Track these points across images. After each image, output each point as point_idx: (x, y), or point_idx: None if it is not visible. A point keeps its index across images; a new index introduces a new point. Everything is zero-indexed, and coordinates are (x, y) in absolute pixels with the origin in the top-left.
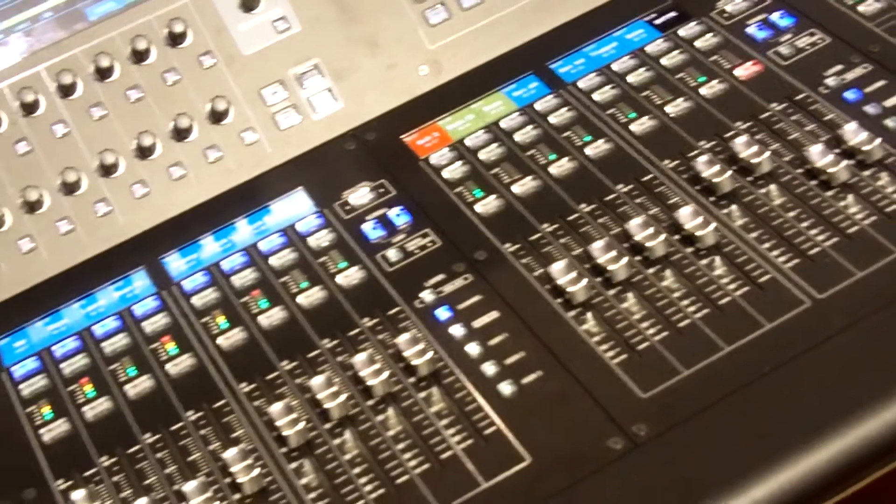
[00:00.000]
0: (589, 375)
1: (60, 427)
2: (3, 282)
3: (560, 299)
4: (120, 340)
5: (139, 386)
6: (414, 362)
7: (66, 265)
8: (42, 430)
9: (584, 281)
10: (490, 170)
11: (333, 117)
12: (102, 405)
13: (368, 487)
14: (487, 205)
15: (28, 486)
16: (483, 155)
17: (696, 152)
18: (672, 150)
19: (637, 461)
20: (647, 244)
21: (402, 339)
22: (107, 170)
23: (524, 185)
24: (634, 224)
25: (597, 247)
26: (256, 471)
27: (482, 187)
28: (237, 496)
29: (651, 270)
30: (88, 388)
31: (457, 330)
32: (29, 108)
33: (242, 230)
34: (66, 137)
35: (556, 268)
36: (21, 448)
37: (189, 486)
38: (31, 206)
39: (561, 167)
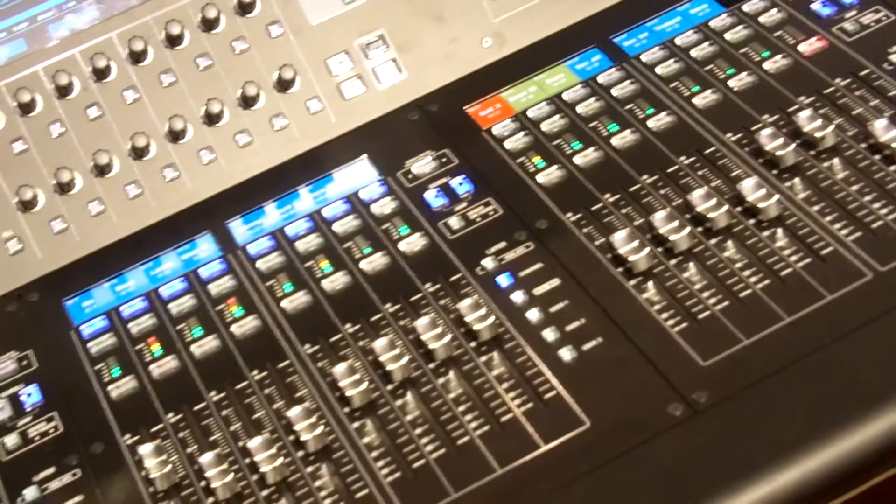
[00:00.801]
0: (649, 343)
1: (128, 384)
2: (72, 244)
3: (621, 268)
4: (186, 302)
5: (205, 346)
6: (475, 327)
7: (134, 228)
8: (110, 387)
9: (646, 250)
10: (552, 141)
11: (397, 88)
12: (169, 364)
13: (429, 448)
14: (549, 175)
15: (96, 440)
16: (545, 126)
17: (759, 126)
18: (735, 124)
19: (696, 428)
20: (710, 215)
21: (464, 304)
22: (175, 136)
23: (586, 157)
24: (697, 195)
25: (659, 217)
26: (320, 429)
27: (544, 158)
28: (300, 453)
29: (713, 241)
30: (155, 347)
31: (518, 296)
32: (100, 74)
33: (305, 198)
34: (136, 103)
35: (618, 237)
36: (89, 404)
37: (254, 443)
38: (101, 170)
39: (623, 139)
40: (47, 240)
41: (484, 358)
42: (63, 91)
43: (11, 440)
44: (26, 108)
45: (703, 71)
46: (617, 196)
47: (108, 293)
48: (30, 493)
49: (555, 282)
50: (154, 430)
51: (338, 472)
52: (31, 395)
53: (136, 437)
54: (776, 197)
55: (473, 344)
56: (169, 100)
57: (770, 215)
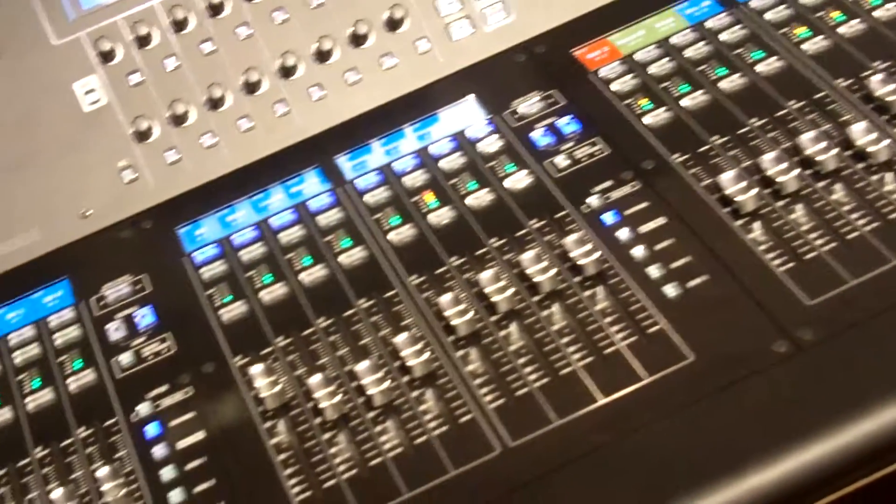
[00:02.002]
0: (755, 281)
1: (238, 309)
2: (184, 175)
3: (728, 209)
4: (295, 232)
5: (313, 274)
6: (580, 262)
7: (244, 162)
8: (221, 311)
9: (754, 191)
10: (660, 84)
11: (505, 29)
12: (279, 290)
13: (533, 377)
14: (657, 117)
15: (207, 360)
16: (653, 69)
17: (870, 72)
18: (845, 70)
19: (801, 364)
20: (818, 158)
21: (570, 239)
22: (287, 72)
23: (694, 99)
24: (806, 138)
25: (767, 158)
26: (426, 355)
27: (651, 100)
28: (406, 378)
29: (821, 184)
30: (265, 274)
31: (623, 233)
32: (215, 10)
33: (411, 136)
34: (249, 39)
35: (726, 177)
36: (201, 326)
37: (361, 366)
38: (215, 104)
39: (732, 83)
40: (161, 170)
41: (588, 292)
42: (179, 26)
43: (126, 358)
44: (143, 42)
45: (814, 17)
46: (725, 138)
47: (219, 223)
48: (143, 408)
49: (660, 220)
50: (264, 352)
51: (442, 397)
52: (145, 316)
53: (246, 359)
54: (886, 141)
55: (578, 279)
56: (281, 37)
57: (880, 159)
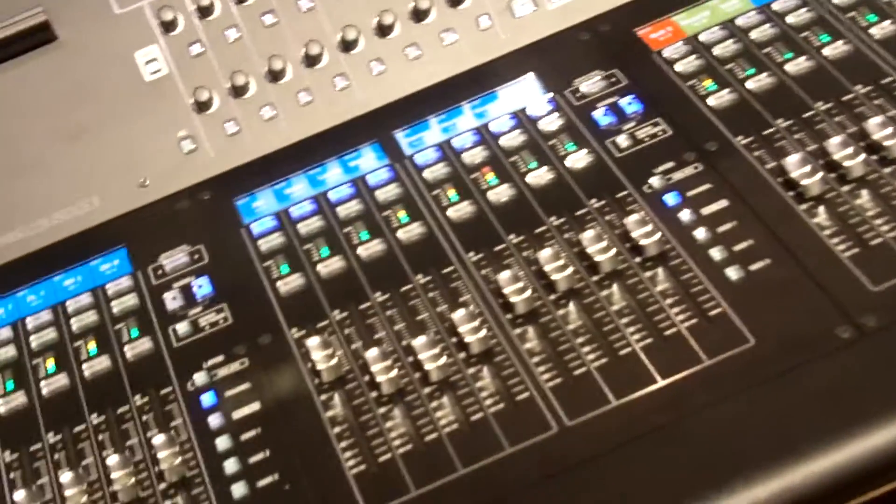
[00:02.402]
0: (818, 266)
1: (296, 281)
2: (243, 146)
3: (792, 192)
4: (353, 206)
5: (371, 249)
6: (641, 242)
7: (303, 135)
8: (278, 283)
9: (819, 175)
10: (724, 65)
11: (568, 7)
12: (336, 264)
13: (591, 356)
14: (720, 98)
15: (264, 332)
16: (717, 50)
17: None
18: None
19: (864, 350)
20: (885, 143)
21: (631, 219)
22: (347, 46)
23: (759, 81)
24: (873, 123)
25: (833, 143)
26: (483, 332)
27: (715, 81)
28: (462, 355)
29: (888, 170)
30: (323, 247)
31: (685, 215)
32: None
33: (470, 112)
34: (311, 12)
35: (791, 161)
36: (258, 298)
37: (418, 341)
38: (275, 76)
39: (798, 66)
40: (220, 141)
41: (648, 273)
42: None
43: (183, 328)
44: (205, 12)
45: (882, 3)
46: (790, 122)
47: (276, 195)
48: (199, 377)
49: (723, 203)
50: (320, 325)
51: (499, 374)
52: (202, 286)
53: (302, 332)
54: None
55: (638, 259)
56: (343, 10)
57: None
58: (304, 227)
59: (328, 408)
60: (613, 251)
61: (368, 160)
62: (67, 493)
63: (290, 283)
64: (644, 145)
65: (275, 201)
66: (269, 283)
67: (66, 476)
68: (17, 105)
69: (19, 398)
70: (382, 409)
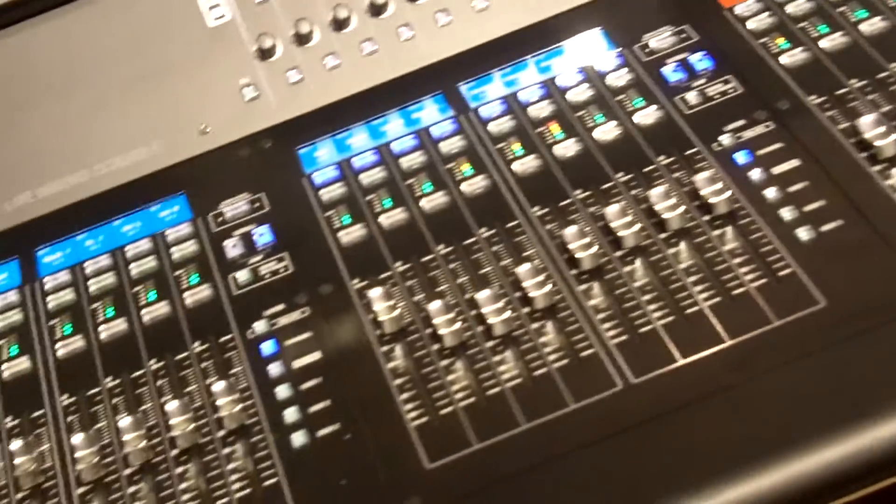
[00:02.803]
0: (891, 228)
1: (357, 232)
2: (306, 95)
3: (865, 153)
4: (416, 158)
5: (434, 201)
6: (711, 200)
7: (366, 85)
8: (340, 233)
9: (893, 136)
10: (797, 23)
11: None
12: (398, 215)
13: (657, 314)
14: (793, 57)
15: (325, 282)
16: (791, 8)
17: None
18: None
19: None
20: None
21: (700, 177)
22: None
23: (833, 41)
24: None
25: None
26: (547, 287)
27: (788, 39)
28: (526, 310)
29: None
30: (385, 198)
31: (755, 174)
32: None
33: (535, 66)
34: None
35: (865, 121)
36: (319, 247)
37: (482, 295)
38: (340, 25)
39: (872, 26)
40: (282, 89)
41: (717, 232)
42: None
43: (243, 276)
44: None
45: None
46: (864, 82)
47: (338, 145)
48: (259, 325)
49: (794, 162)
50: (382, 276)
51: (563, 330)
52: (262, 235)
53: (364, 282)
54: None
55: (707, 218)
56: None
57: None
58: (366, 178)
59: (389, 359)
60: (682, 209)
61: (432, 112)
62: (126, 437)
63: (352, 233)
64: (714, 103)
65: (336, 151)
66: (330, 234)
67: (124, 421)
68: (81, 50)
69: (77, 342)
70: (444, 362)
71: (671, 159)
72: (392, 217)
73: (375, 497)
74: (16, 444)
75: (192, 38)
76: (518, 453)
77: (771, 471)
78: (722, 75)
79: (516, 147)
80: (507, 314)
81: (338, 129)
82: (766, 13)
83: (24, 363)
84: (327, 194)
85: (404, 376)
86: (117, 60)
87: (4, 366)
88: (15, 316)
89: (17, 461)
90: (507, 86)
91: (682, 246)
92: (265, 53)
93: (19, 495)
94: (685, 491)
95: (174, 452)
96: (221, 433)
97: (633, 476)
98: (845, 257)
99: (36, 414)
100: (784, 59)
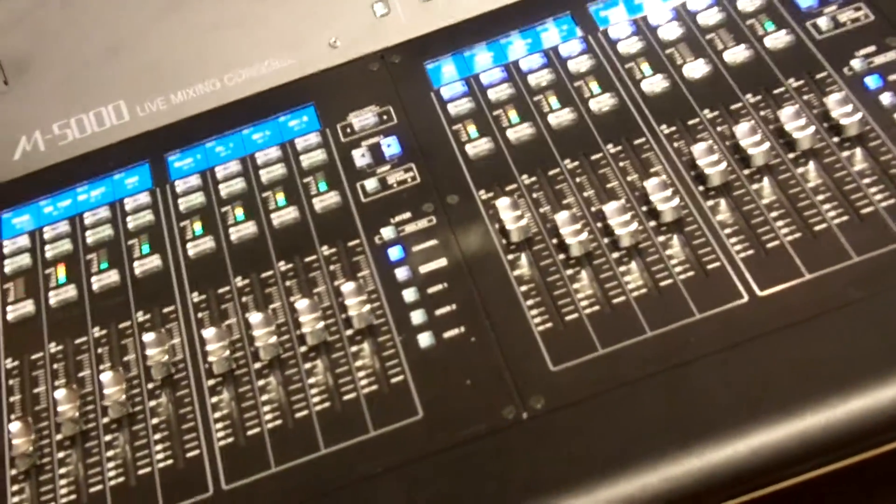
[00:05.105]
0: None
1: (484, 145)
2: (436, 12)
3: None
4: (544, 76)
5: (561, 117)
6: (841, 122)
7: (495, 5)
8: (467, 146)
9: None
10: None
11: None
12: (525, 130)
13: (784, 231)
14: None
15: (451, 192)
16: None
17: None
18: None
19: None
20: None
21: (831, 99)
22: None
23: None
24: None
25: None
26: (675, 201)
27: None
28: (653, 223)
29: None
30: (512, 114)
31: (886, 98)
32: None
33: None
34: None
35: None
36: (446, 159)
37: (609, 207)
38: None
39: None
40: (412, 6)
41: (846, 153)
42: None
43: (371, 184)
44: None
45: None
46: None
47: (467, 62)
48: (386, 232)
49: None
50: (508, 188)
51: (689, 243)
52: (390, 146)
53: (490, 194)
54: None
55: (836, 139)
56: None
57: None
58: (493, 94)
59: (515, 267)
60: (812, 129)
61: (560, 32)
62: (256, 333)
63: (479, 146)
64: (845, 28)
65: (465, 68)
66: (457, 146)
67: (254, 317)
68: None
69: (207, 243)
70: (570, 271)
71: (801, 82)
72: (519, 132)
73: (501, 397)
74: (148, 337)
75: None
76: (642, 360)
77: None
78: (854, 1)
79: (645, 67)
80: (634, 226)
81: (466, 47)
82: None
83: (155, 261)
84: (455, 109)
85: (530, 283)
86: None
87: (136, 263)
88: (146, 217)
89: (148, 352)
90: (633, 10)
91: (811, 165)
92: None
93: (150, 385)
94: (809, 401)
95: (303, 349)
96: (349, 332)
97: (755, 386)
98: None
99: (167, 309)
100: None
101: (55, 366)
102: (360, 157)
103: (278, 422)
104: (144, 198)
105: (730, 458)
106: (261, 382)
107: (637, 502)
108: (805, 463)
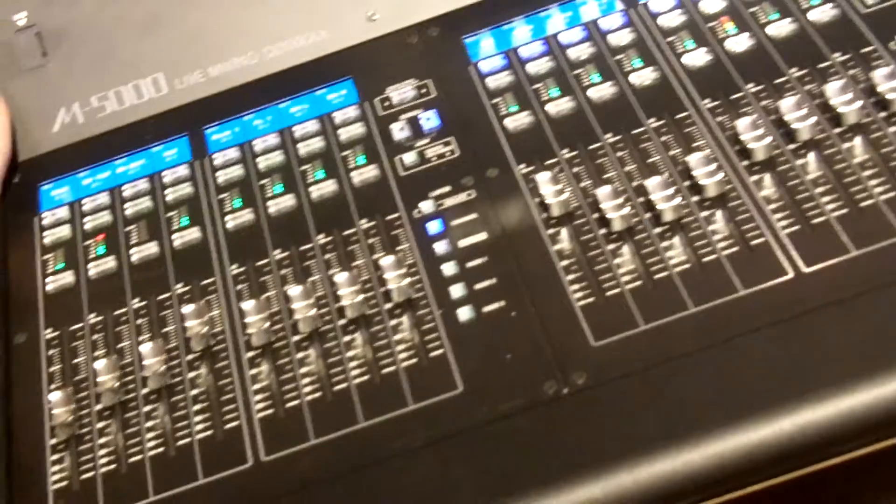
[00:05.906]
0: None
1: (524, 119)
2: None
3: None
4: (584, 49)
5: (602, 91)
6: (888, 97)
7: None
8: (506, 120)
9: None
10: None
11: None
12: (565, 104)
13: (830, 206)
14: None
15: (491, 166)
16: None
17: None
18: None
19: None
20: None
21: (878, 73)
22: None
23: None
24: None
25: None
26: (719, 176)
27: None
28: (696, 198)
29: None
30: (552, 88)
31: None
32: None
33: None
34: None
35: None
36: (485, 133)
37: (651, 182)
38: None
39: None
40: None
41: (893, 128)
42: None
43: (409, 158)
44: None
45: None
46: None
47: (506, 36)
48: (425, 205)
49: None
50: (548, 162)
51: (733, 219)
52: (429, 119)
53: (530, 168)
54: None
55: (883, 114)
56: None
57: None
58: (533, 68)
59: (555, 241)
60: (858, 104)
61: (599, 5)
62: (295, 305)
63: (519, 120)
64: (892, 1)
65: (504, 41)
66: (496, 120)
67: (294, 290)
68: None
69: (246, 216)
70: (611, 246)
71: (847, 56)
72: (559, 106)
73: (541, 372)
74: (187, 309)
75: None
76: (684, 336)
77: None
78: None
79: (687, 40)
80: (677, 201)
81: (505, 20)
82: None
83: (194, 233)
84: (494, 82)
85: (570, 258)
86: None
87: (175, 235)
88: (185, 189)
89: (188, 324)
90: None
91: (857, 141)
92: None
93: (190, 357)
94: (857, 378)
95: (342, 322)
96: (388, 305)
97: (802, 361)
98: None
99: (206, 281)
100: None
101: (95, 336)
102: (399, 131)
103: (317, 394)
104: (183, 170)
105: (776, 436)
106: (300, 355)
107: (680, 479)
108: (855, 441)
